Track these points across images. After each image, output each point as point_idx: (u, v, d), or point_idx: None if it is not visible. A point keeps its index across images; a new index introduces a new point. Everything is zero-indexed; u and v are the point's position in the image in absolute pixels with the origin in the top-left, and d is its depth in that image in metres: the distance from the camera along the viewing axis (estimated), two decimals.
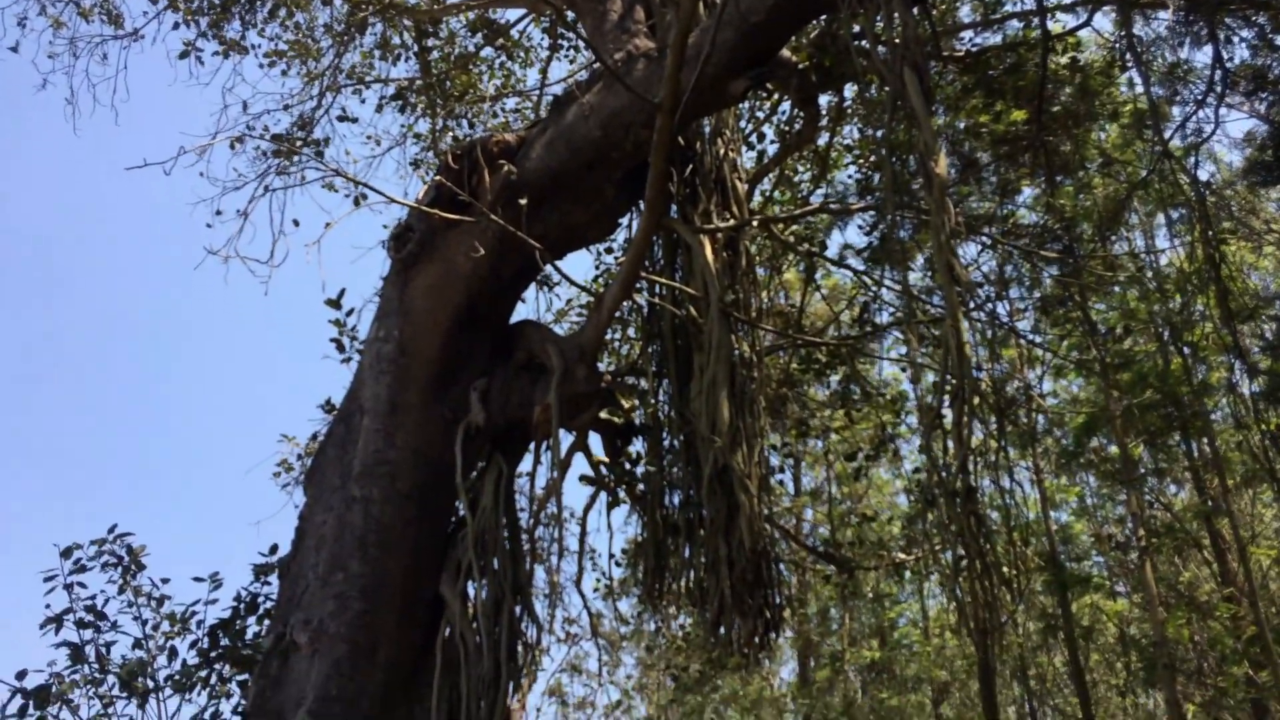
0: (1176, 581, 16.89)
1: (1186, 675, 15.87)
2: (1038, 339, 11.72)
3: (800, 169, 11.25)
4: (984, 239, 10.35)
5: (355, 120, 11.69)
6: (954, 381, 4.78)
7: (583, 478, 7.73)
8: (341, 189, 11.59)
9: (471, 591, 6.24)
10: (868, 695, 23.11)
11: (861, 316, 10.26)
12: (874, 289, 10.09)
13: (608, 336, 9.80)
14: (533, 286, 8.67)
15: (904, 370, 14.21)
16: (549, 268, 8.94)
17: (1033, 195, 11.85)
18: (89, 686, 5.81)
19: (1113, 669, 19.94)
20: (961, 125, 9.93)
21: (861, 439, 12.72)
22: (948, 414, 5.12)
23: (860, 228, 10.58)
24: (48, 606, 6.12)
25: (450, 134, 12.34)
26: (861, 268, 10.35)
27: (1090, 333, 12.48)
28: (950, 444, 5.15)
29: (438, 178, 6.94)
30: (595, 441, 7.70)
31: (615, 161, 6.99)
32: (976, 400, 5.08)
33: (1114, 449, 15.54)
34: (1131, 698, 20.35)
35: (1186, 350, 13.52)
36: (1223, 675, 14.47)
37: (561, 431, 6.99)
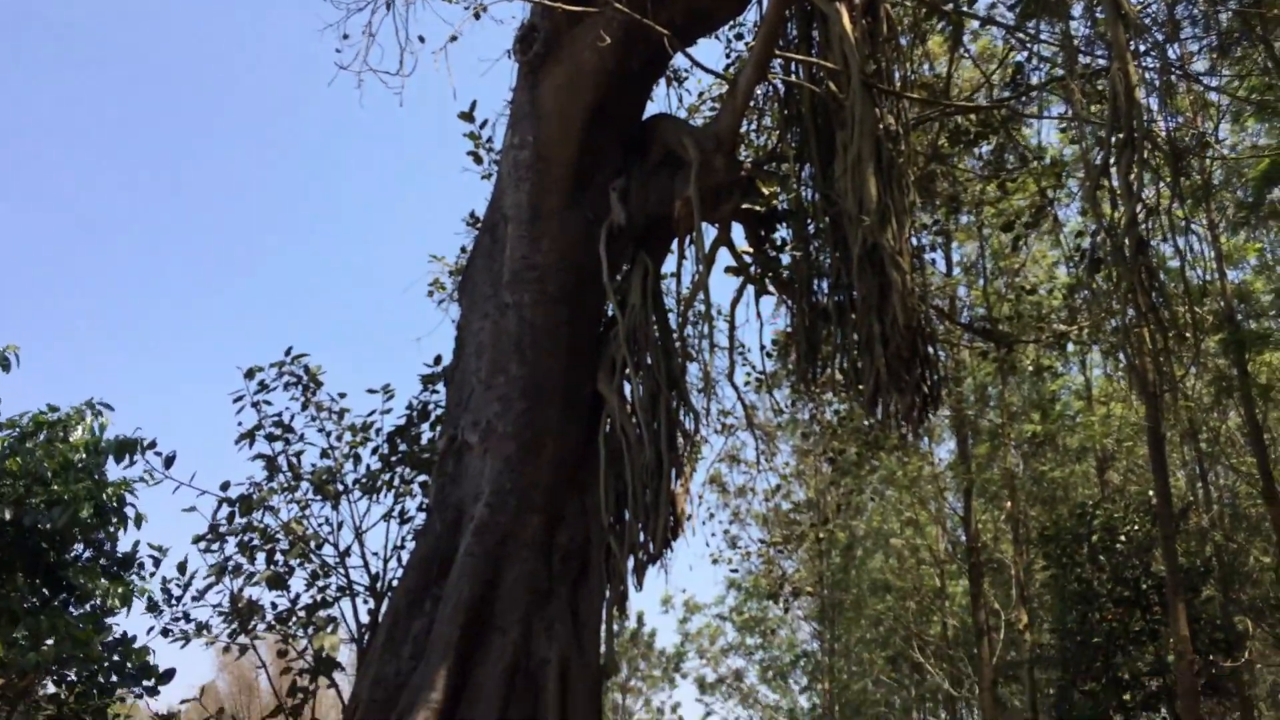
0: None
1: None
2: (1214, 83, 10.74)
3: None
4: None
5: None
6: (1122, 132, 4.42)
7: (728, 269, 7.66)
8: (462, 1, 11.33)
9: (628, 388, 6.38)
10: (1028, 468, 23.04)
11: (1014, 78, 9.59)
12: (1028, 45, 9.37)
13: (745, 126, 9.49)
14: (662, 84, 8.41)
15: (1065, 130, 13.32)
16: (679, 57, 8.63)
17: None
18: (285, 493, 6.30)
19: None
20: None
21: (1018, 210, 12.15)
22: (1114, 170, 4.77)
23: None
24: (239, 424, 6.58)
25: None
26: (1013, 23, 9.59)
27: (1273, 71, 11.35)
28: (1118, 201, 4.83)
29: None
30: (739, 233, 7.58)
31: None
32: (1147, 150, 4.71)
33: None
34: None
35: None
36: None
37: (704, 225, 6.90)
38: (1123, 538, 16.29)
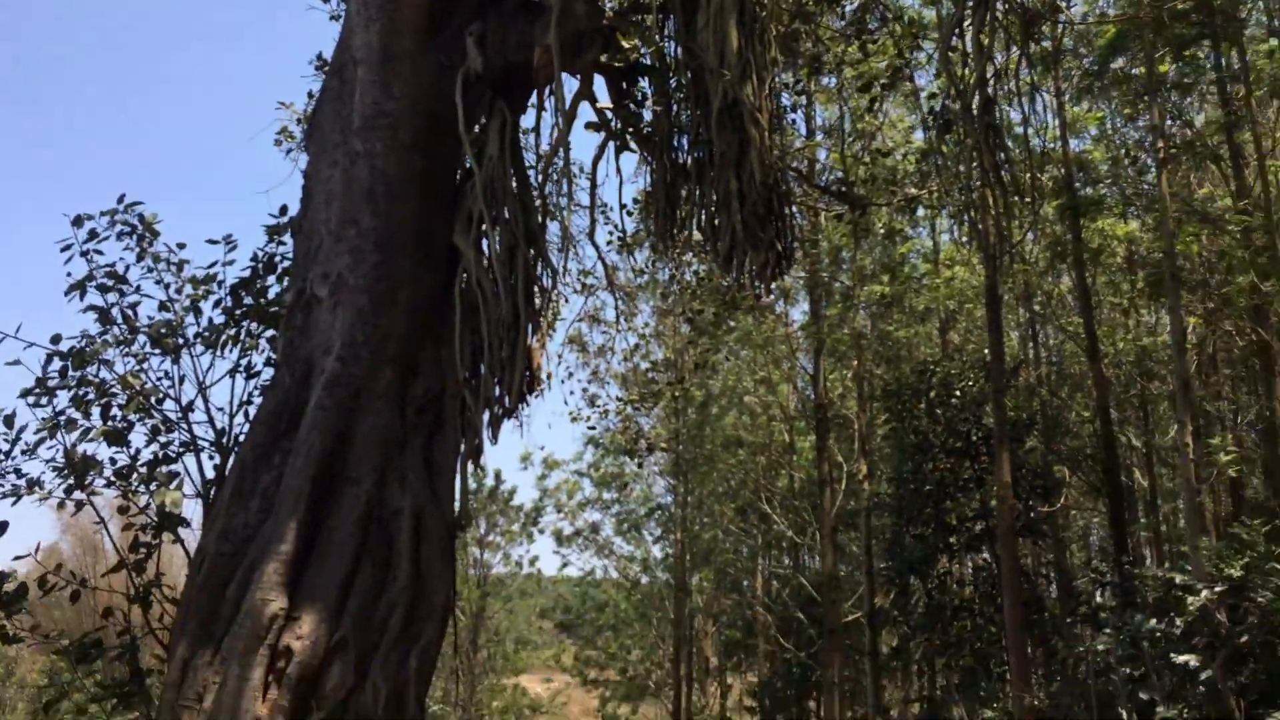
0: (1191, 198, 16.86)
1: (1191, 289, 16.26)
2: None
3: None
4: None
5: None
6: None
7: (589, 125, 7.51)
8: None
9: (485, 243, 6.26)
10: (876, 329, 23.97)
11: None
12: None
13: None
14: None
15: None
16: None
17: None
18: (121, 346, 6.02)
19: (1118, 290, 20.45)
20: None
21: (877, 72, 12.24)
22: (967, 29, 4.83)
23: None
24: (69, 275, 6.21)
25: None
26: None
27: None
28: (970, 63, 4.91)
29: None
30: (600, 88, 7.41)
31: None
32: (1000, 11, 4.77)
33: (1139, 71, 14.98)
34: (1135, 316, 21.03)
35: None
36: (1228, 286, 14.78)
37: (565, 78, 6.71)
38: (958, 393, 17.24)
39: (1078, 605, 14.54)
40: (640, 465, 30.79)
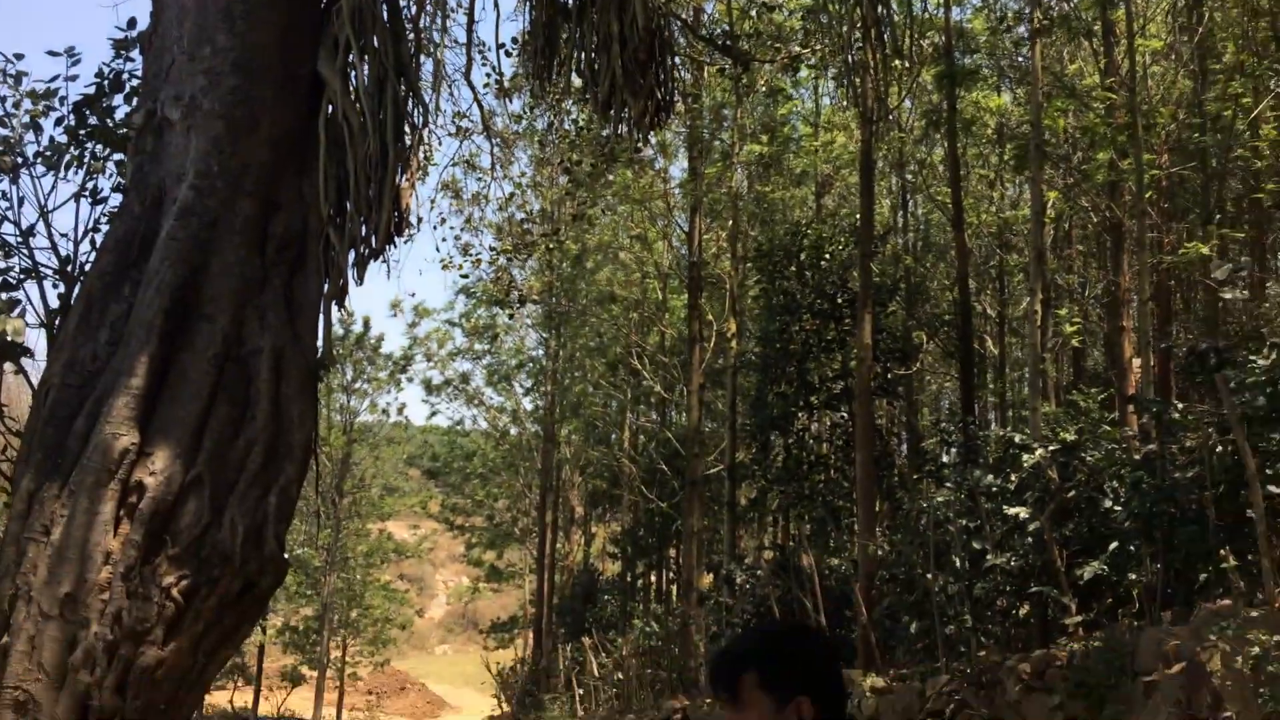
0: (1062, 73, 17.24)
1: (1055, 163, 16.80)
2: None
3: None
4: None
5: None
6: None
7: None
8: None
9: (353, 74, 5.95)
10: (753, 190, 24.11)
11: None
12: None
13: None
14: None
15: None
16: None
17: None
18: None
19: (987, 162, 20.98)
20: None
21: None
22: None
23: None
24: None
25: None
26: None
27: None
28: None
29: None
30: None
31: None
32: None
33: None
34: (1000, 188, 21.68)
35: None
36: (1089, 162, 15.33)
37: None
38: (827, 256, 17.61)
39: (924, 462, 15.38)
40: (512, 317, 30.69)
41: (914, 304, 20.80)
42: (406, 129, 6.06)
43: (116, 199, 5.87)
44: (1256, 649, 5.30)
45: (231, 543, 4.56)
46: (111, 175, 6.05)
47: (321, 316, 5.54)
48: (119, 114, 6.21)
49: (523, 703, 28.71)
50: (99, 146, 6.02)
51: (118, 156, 6.03)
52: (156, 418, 4.60)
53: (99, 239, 5.62)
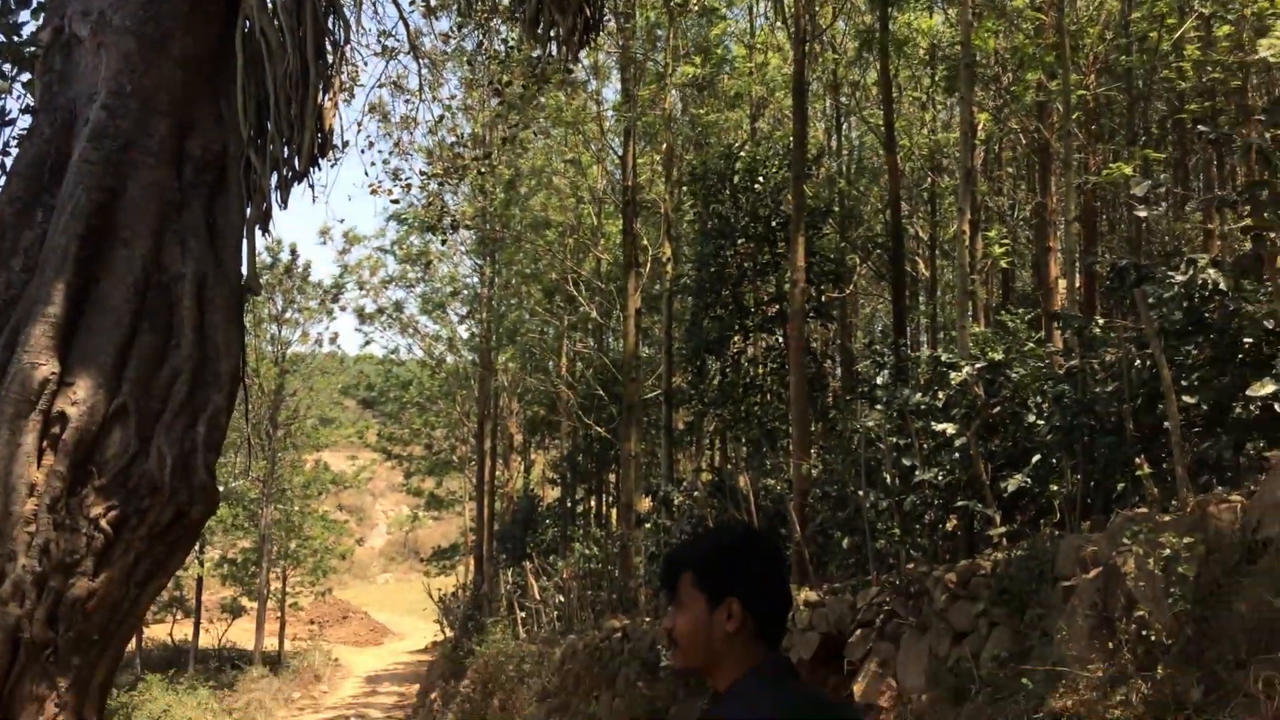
0: None
1: (984, 84, 16.89)
2: None
3: None
4: None
5: None
6: None
7: None
8: None
9: None
10: (687, 112, 23.91)
11: None
12: None
13: None
14: None
15: None
16: None
17: None
18: None
19: (919, 84, 21.02)
20: None
21: None
22: None
23: None
24: None
25: None
26: None
27: None
28: None
29: None
30: None
31: None
32: None
33: None
34: (931, 110, 21.77)
35: None
36: (1018, 84, 15.44)
37: None
38: (761, 179, 17.59)
39: (857, 384, 15.63)
40: (445, 243, 30.32)
41: (847, 227, 20.94)
42: (328, 46, 5.88)
43: (25, 120, 5.65)
44: (1167, 551, 5.53)
45: (160, 472, 4.50)
46: (20, 96, 5.81)
47: (245, 241, 5.42)
48: (26, 31, 5.94)
49: (465, 627, 29.04)
50: (5, 65, 5.77)
51: (25, 76, 5.79)
52: (76, 346, 4.50)
53: (8, 163, 5.41)
